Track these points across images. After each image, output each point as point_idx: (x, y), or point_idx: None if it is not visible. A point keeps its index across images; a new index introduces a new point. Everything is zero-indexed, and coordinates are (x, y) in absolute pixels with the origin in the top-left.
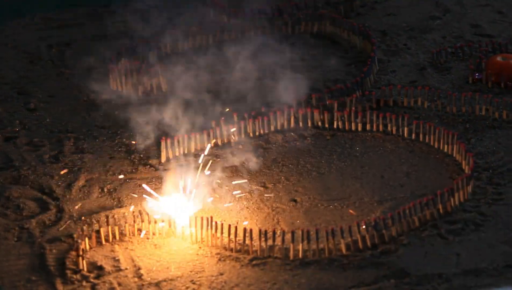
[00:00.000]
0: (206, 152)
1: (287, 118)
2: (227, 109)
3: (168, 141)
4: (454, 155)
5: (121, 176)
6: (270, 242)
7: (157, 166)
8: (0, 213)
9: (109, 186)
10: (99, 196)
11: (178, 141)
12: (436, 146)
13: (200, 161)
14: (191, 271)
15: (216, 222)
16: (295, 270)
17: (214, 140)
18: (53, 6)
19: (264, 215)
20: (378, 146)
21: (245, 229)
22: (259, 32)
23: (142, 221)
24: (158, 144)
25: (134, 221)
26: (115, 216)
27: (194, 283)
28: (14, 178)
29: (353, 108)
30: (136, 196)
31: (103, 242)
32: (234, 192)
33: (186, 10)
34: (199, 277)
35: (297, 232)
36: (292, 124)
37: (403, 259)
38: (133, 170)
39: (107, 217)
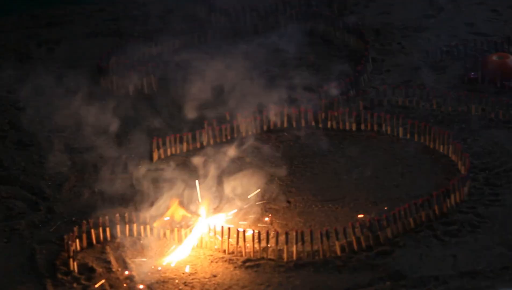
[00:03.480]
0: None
1: (280, 118)
2: None
3: (160, 141)
4: (449, 156)
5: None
6: (263, 243)
7: (148, 166)
8: None
9: (99, 186)
10: (90, 196)
11: (170, 141)
12: (431, 146)
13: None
14: (183, 273)
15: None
16: (289, 272)
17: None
18: (41, 4)
19: (258, 216)
20: (373, 146)
21: (238, 231)
22: (252, 30)
23: (133, 222)
24: (149, 144)
25: (125, 222)
26: (106, 217)
27: (186, 285)
28: (4, 178)
29: (347, 108)
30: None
31: (94, 243)
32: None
33: (177, 8)
34: (191, 279)
35: (291, 234)
36: (286, 124)
37: (398, 261)
38: (124, 170)
39: (98, 217)
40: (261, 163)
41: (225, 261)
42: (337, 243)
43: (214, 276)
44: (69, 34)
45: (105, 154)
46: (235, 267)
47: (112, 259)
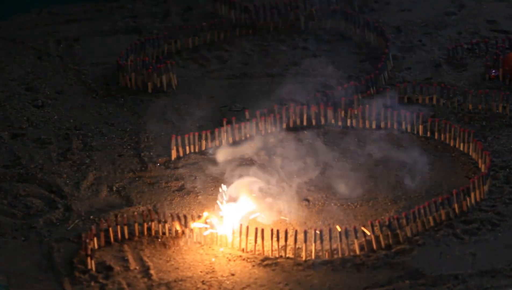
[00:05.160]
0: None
1: (299, 116)
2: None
3: (179, 138)
4: (470, 154)
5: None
6: (282, 242)
7: (167, 164)
8: (7, 212)
9: (118, 184)
10: (108, 194)
11: (188, 139)
12: (451, 144)
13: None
14: (201, 272)
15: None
16: (308, 270)
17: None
18: (60, 1)
19: (277, 214)
20: (393, 144)
21: (256, 229)
22: (270, 28)
23: (152, 220)
24: (168, 142)
25: (143, 220)
26: (124, 215)
27: (204, 284)
28: (22, 176)
29: (367, 106)
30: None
31: (112, 241)
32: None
33: (196, 5)
34: (210, 277)
35: (309, 232)
36: (305, 122)
37: (418, 259)
38: (143, 168)
39: (116, 216)
40: (279, 161)
41: (243, 259)
42: (356, 241)
43: (232, 274)
44: (88, 31)
45: (124, 152)
46: (253, 266)
47: (130, 257)
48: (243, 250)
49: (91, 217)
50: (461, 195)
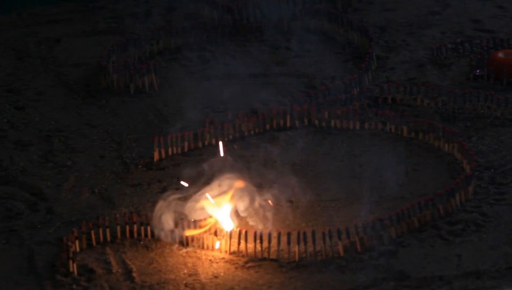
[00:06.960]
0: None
1: (282, 117)
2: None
3: (161, 140)
4: (454, 154)
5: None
6: (265, 244)
7: (149, 165)
8: None
9: (99, 186)
10: (90, 196)
11: (172, 140)
12: (436, 144)
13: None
14: (184, 274)
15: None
16: (291, 272)
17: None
18: (40, 1)
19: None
20: (377, 145)
21: (239, 231)
22: (253, 28)
23: (134, 223)
24: (150, 143)
25: (125, 223)
26: (106, 217)
27: (187, 286)
28: (2, 178)
29: (351, 106)
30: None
31: (94, 244)
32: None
33: (179, 6)
34: (192, 280)
35: (293, 234)
36: (288, 123)
37: (402, 261)
38: (125, 170)
39: (98, 218)
40: (262, 162)
41: (226, 261)
42: (339, 243)
43: (215, 277)
44: (69, 32)
45: (105, 153)
46: (237, 268)
47: (112, 260)
48: (226, 252)
49: (73, 219)
50: (445, 196)
